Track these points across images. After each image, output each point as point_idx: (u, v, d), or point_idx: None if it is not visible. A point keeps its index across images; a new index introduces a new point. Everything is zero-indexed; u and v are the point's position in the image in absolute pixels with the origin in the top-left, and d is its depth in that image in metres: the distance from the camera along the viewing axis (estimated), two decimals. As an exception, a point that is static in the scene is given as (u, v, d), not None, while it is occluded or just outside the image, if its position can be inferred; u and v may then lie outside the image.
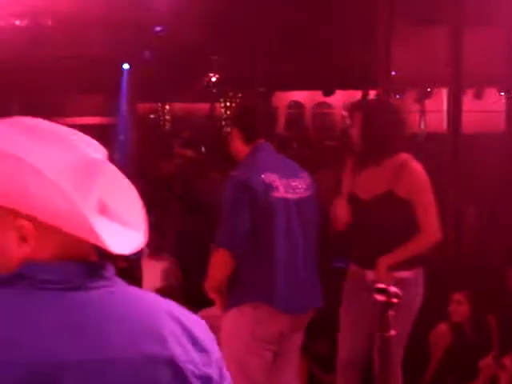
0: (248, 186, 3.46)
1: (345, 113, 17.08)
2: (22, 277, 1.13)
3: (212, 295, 3.60)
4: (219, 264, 3.55)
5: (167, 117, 18.06)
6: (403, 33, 7.51)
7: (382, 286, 1.97)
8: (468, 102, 8.58)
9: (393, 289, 1.97)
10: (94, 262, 1.19)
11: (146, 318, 1.19)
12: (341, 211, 3.97)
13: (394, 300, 1.97)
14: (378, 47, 7.44)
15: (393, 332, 2.06)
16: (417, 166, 3.86)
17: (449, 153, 7.27)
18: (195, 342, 1.22)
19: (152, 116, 17.88)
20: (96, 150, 1.20)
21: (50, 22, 8.45)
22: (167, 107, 17.92)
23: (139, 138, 13.98)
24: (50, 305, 1.13)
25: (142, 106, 15.97)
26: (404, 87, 9.42)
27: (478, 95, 12.97)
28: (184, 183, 10.94)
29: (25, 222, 1.13)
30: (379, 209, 3.87)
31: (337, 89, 14.40)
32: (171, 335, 1.19)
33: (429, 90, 13.93)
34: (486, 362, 4.30)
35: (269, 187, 3.48)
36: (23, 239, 1.14)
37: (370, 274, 3.93)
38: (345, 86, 14.53)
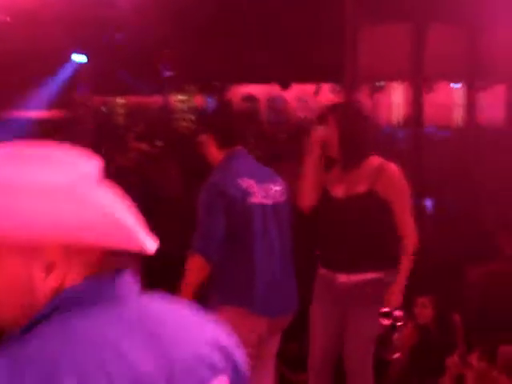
0: (224, 191, 3.48)
1: (299, 106, 17.19)
2: (59, 308, 1.09)
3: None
4: (194, 269, 3.55)
5: (120, 110, 17.87)
6: (366, 29, 7.60)
7: (386, 309, 1.99)
8: (427, 95, 8.72)
9: (397, 312, 2.00)
10: (118, 271, 1.16)
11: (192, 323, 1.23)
12: (307, 192, 4.01)
13: (399, 323, 2.01)
14: (345, 43, 7.50)
15: (397, 355, 2.09)
16: (395, 168, 3.96)
17: (411, 146, 7.39)
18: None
19: (104, 109, 17.66)
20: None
21: (8, 19, 8.35)
22: (121, 100, 17.73)
23: (93, 132, 13.85)
24: (107, 323, 1.10)
25: (98, 99, 15.79)
26: (365, 81, 9.54)
27: (430, 89, 13.20)
28: (141, 177, 10.89)
29: (54, 252, 1.09)
30: (358, 207, 3.93)
31: (293, 82, 14.44)
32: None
33: (382, 83, 14.10)
34: (452, 360, 4.38)
35: (246, 193, 3.50)
36: (50, 270, 1.10)
37: (341, 277, 3.99)
38: (301, 80, 14.59)
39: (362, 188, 3.92)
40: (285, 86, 14.33)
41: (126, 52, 11.84)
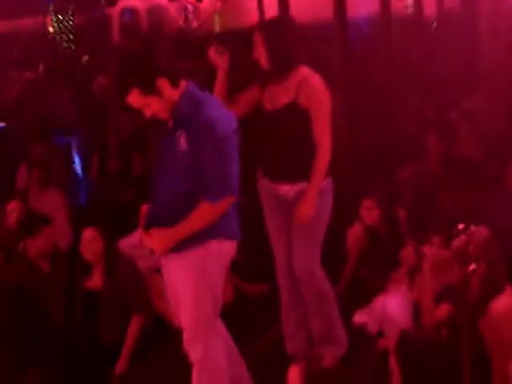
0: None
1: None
2: None
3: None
4: (219, 215, 3.49)
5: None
6: None
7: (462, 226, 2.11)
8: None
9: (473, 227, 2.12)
10: None
11: None
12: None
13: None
14: None
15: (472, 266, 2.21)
16: (317, 80, 4.09)
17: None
18: None
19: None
20: None
21: None
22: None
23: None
24: None
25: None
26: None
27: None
28: (34, 109, 10.51)
29: None
30: (283, 119, 4.08)
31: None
32: None
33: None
34: (406, 252, 4.62)
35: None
36: None
37: (282, 188, 4.19)
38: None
39: (285, 99, 4.06)
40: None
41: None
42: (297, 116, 4.05)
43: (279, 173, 4.18)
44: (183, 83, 3.46)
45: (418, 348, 3.17)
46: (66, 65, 13.34)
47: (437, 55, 8.20)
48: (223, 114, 3.45)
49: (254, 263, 5.81)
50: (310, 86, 4.03)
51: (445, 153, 6.32)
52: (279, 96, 4.08)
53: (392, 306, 4.58)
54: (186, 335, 3.66)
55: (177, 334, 4.87)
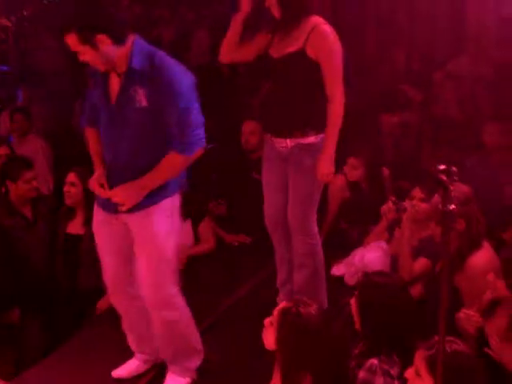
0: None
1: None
2: None
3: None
4: (188, 165, 3.50)
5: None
6: None
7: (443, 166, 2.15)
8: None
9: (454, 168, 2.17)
10: None
11: None
12: (226, 45, 4.08)
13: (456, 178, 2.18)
14: None
15: (453, 206, 2.26)
16: (327, 29, 3.95)
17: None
18: None
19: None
20: None
21: None
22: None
23: None
24: None
25: None
26: None
27: None
28: (20, 56, 10.38)
29: None
30: (289, 66, 3.97)
31: None
32: None
33: None
34: (387, 206, 4.67)
35: None
36: None
37: (278, 142, 4.13)
38: None
39: (292, 48, 3.95)
40: None
41: None
42: (302, 66, 3.94)
43: (277, 126, 4.10)
44: (131, 38, 3.37)
45: (380, 294, 3.22)
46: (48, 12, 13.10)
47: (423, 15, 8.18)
48: (179, 67, 3.38)
49: (236, 217, 5.90)
50: (320, 34, 3.90)
51: (423, 104, 6.37)
52: (287, 45, 3.97)
53: (370, 259, 4.65)
54: (152, 295, 3.60)
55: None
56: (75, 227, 5.03)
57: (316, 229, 4.27)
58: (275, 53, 4.03)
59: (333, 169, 4.04)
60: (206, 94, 3.82)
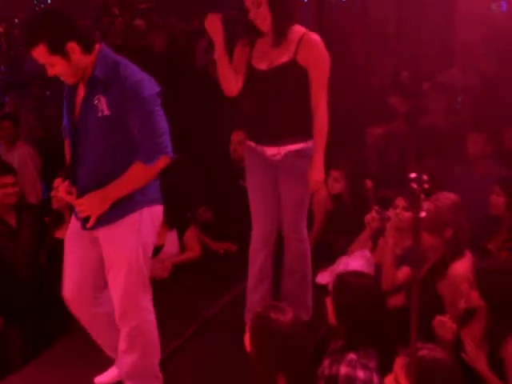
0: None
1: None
2: None
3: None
4: (153, 175, 3.46)
5: None
6: None
7: (414, 175, 2.18)
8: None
9: (425, 176, 2.20)
10: None
11: None
12: (231, 79, 4.05)
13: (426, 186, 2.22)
14: None
15: (423, 214, 2.29)
16: (316, 37, 4.00)
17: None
18: None
19: None
20: None
21: None
22: None
23: None
24: None
25: None
26: None
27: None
28: (11, 63, 10.41)
29: None
30: (282, 77, 3.99)
31: None
32: None
33: None
34: (370, 216, 4.69)
35: None
36: None
37: (269, 150, 4.13)
38: None
39: (284, 58, 3.97)
40: None
41: None
42: (294, 75, 3.97)
43: (266, 135, 4.11)
44: (97, 47, 3.36)
45: (353, 293, 3.33)
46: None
47: (415, 26, 8.24)
48: (144, 76, 3.35)
49: (222, 224, 5.91)
50: (310, 42, 3.95)
51: (409, 115, 6.42)
52: (277, 56, 3.98)
53: (354, 268, 4.66)
54: (120, 307, 3.58)
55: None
56: (63, 232, 5.02)
57: (306, 234, 4.32)
58: (262, 65, 4.03)
59: (323, 176, 4.08)
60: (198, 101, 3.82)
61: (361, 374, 3.18)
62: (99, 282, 3.66)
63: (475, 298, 3.37)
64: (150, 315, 3.67)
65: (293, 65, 3.96)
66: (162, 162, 3.39)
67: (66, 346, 4.46)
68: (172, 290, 5.07)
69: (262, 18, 3.95)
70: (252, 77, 4.08)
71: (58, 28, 3.23)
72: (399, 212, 4.49)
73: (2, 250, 4.98)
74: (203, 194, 6.15)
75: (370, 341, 3.25)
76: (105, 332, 3.81)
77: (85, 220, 3.49)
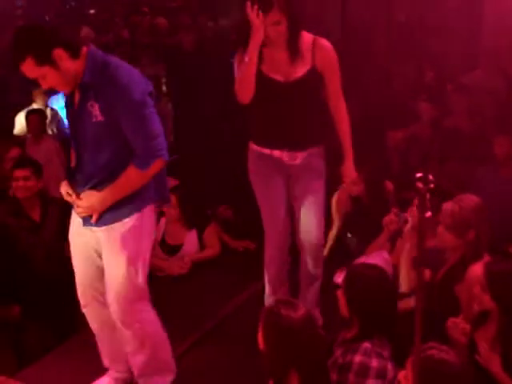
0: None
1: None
2: None
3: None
4: (148, 179, 3.41)
5: None
6: None
7: (419, 174, 2.19)
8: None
9: (430, 176, 2.21)
10: None
11: None
12: (250, 86, 3.97)
13: (432, 185, 2.22)
14: None
15: (429, 214, 2.32)
16: (325, 41, 4.03)
17: None
18: None
19: None
20: None
21: None
22: None
23: None
24: None
25: None
26: None
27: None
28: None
29: None
30: (304, 87, 3.99)
31: None
32: None
33: None
34: (389, 217, 4.69)
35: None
36: None
37: (284, 155, 4.13)
38: None
39: (304, 69, 3.97)
40: None
41: None
42: (314, 83, 4.00)
43: (286, 141, 4.10)
44: (84, 50, 3.30)
45: (365, 284, 3.37)
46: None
47: (441, 27, 8.20)
48: (135, 77, 3.30)
49: (242, 223, 5.94)
50: (322, 46, 3.96)
51: (436, 120, 6.38)
52: (296, 66, 3.96)
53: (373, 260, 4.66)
54: (118, 311, 3.57)
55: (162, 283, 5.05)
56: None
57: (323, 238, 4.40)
58: (278, 76, 3.99)
59: (356, 173, 4.18)
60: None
61: (375, 362, 3.21)
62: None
63: (487, 301, 3.37)
64: (150, 315, 3.65)
65: (313, 73, 3.98)
66: (156, 166, 3.36)
67: (83, 338, 4.51)
68: (190, 287, 5.13)
69: (279, 35, 3.91)
70: (266, 86, 4.00)
71: (41, 38, 3.19)
72: (414, 212, 4.48)
73: (22, 244, 5.02)
74: (224, 192, 6.19)
75: (383, 330, 3.30)
76: (111, 337, 3.77)
77: (89, 216, 3.48)
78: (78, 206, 3.47)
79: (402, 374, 2.83)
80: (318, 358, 3.09)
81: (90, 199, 3.42)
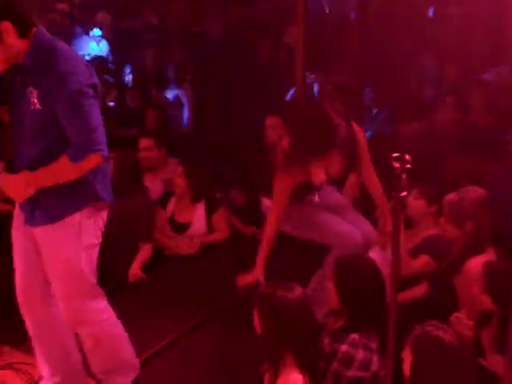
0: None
1: None
2: None
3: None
4: (82, 173, 3.22)
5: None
6: None
7: (396, 154, 2.21)
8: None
9: (407, 156, 2.24)
10: None
11: None
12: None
13: (408, 166, 2.25)
14: None
15: (404, 193, 2.34)
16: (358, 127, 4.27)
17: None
18: None
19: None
20: None
21: None
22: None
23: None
24: None
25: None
26: None
27: None
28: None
29: None
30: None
31: None
32: None
33: None
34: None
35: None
36: None
37: None
38: None
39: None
40: None
41: None
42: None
43: None
44: (33, 31, 3.16)
45: (354, 276, 3.41)
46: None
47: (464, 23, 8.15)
48: (78, 67, 3.13)
49: (254, 208, 5.96)
50: (357, 135, 4.24)
51: (461, 121, 6.37)
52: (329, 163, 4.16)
53: (374, 255, 4.66)
54: (67, 312, 3.47)
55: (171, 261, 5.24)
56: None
57: None
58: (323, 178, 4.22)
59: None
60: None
61: (360, 354, 3.24)
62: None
63: (486, 302, 3.35)
64: (103, 314, 3.52)
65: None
66: (92, 161, 3.17)
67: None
68: (200, 268, 5.18)
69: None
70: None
71: None
72: (418, 202, 4.52)
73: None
74: (235, 177, 6.20)
75: (371, 321, 3.32)
76: (52, 339, 3.60)
77: (28, 214, 3.36)
78: (1, 182, 3.30)
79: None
80: (313, 340, 3.17)
81: (15, 179, 3.25)
